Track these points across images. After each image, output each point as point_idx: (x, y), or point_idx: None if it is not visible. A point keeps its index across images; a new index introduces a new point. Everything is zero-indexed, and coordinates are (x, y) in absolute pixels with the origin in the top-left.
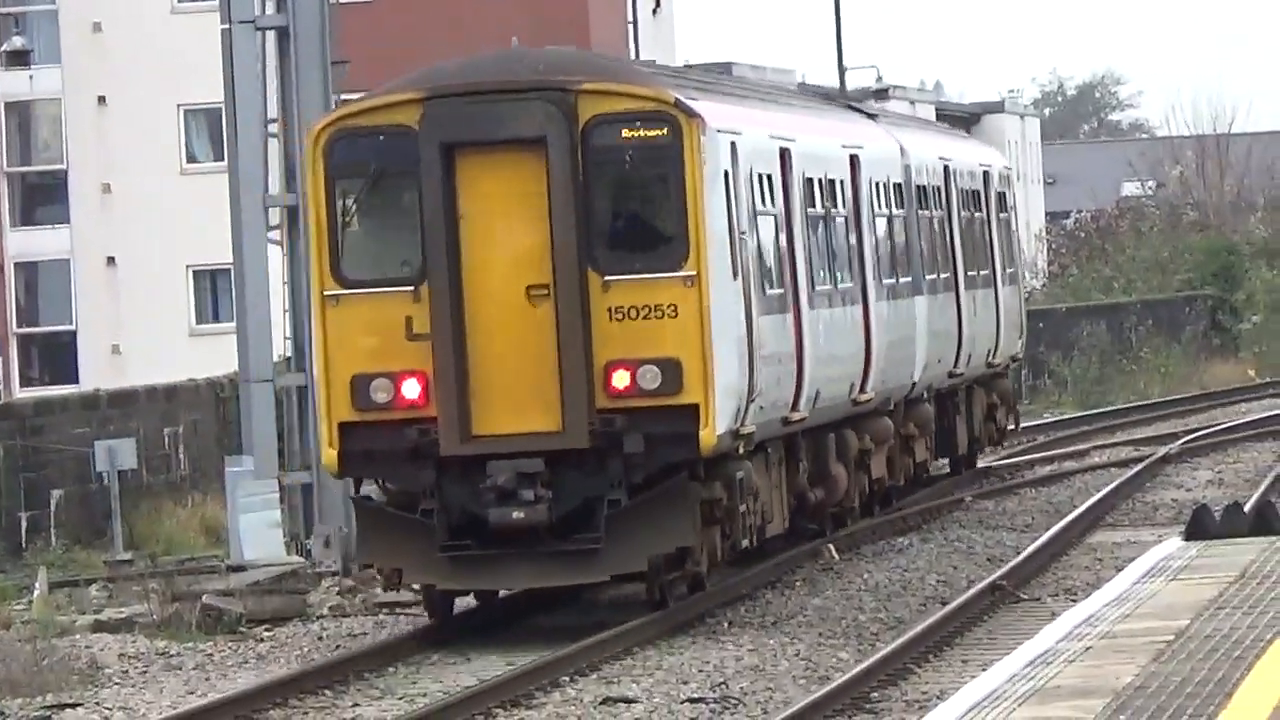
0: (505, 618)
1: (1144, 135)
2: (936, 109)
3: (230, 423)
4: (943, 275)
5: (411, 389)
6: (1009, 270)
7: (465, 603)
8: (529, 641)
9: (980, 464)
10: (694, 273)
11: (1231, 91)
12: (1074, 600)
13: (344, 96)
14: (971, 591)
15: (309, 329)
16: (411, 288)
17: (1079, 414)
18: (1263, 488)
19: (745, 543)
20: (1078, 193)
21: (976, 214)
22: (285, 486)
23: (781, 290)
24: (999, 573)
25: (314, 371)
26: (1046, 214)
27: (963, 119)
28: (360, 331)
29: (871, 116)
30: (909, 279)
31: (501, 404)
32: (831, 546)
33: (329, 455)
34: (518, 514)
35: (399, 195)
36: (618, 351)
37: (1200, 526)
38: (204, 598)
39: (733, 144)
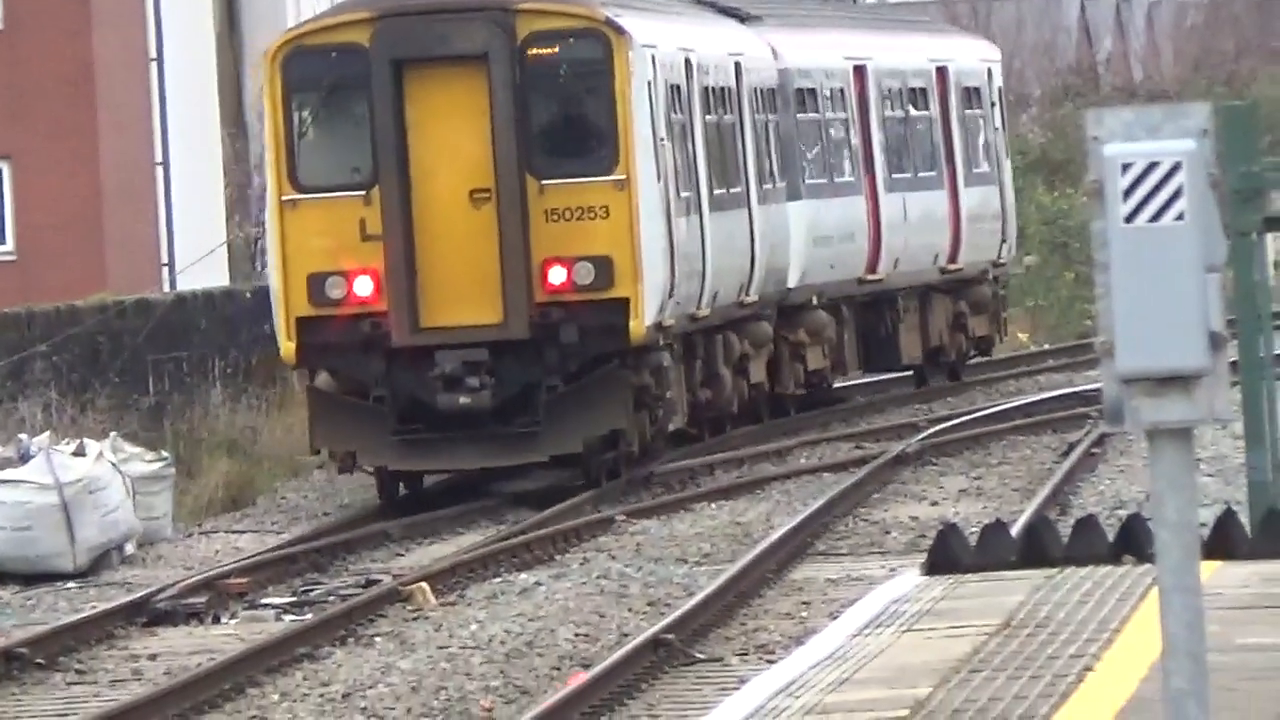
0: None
1: None
2: None
3: None
4: (837, 178)
5: (364, 285)
6: (976, 170)
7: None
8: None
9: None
10: (624, 177)
11: None
12: (770, 661)
13: None
14: (625, 649)
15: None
16: (363, 192)
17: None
18: (1038, 501)
19: (671, 426)
20: None
21: (923, 111)
22: None
23: (691, 193)
24: (664, 622)
25: (272, 270)
26: None
27: None
28: (316, 233)
29: (744, 20)
30: (784, 184)
31: (448, 299)
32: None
33: (287, 348)
34: (464, 400)
35: (351, 107)
36: (554, 250)
37: (948, 555)
38: None
39: (652, 57)
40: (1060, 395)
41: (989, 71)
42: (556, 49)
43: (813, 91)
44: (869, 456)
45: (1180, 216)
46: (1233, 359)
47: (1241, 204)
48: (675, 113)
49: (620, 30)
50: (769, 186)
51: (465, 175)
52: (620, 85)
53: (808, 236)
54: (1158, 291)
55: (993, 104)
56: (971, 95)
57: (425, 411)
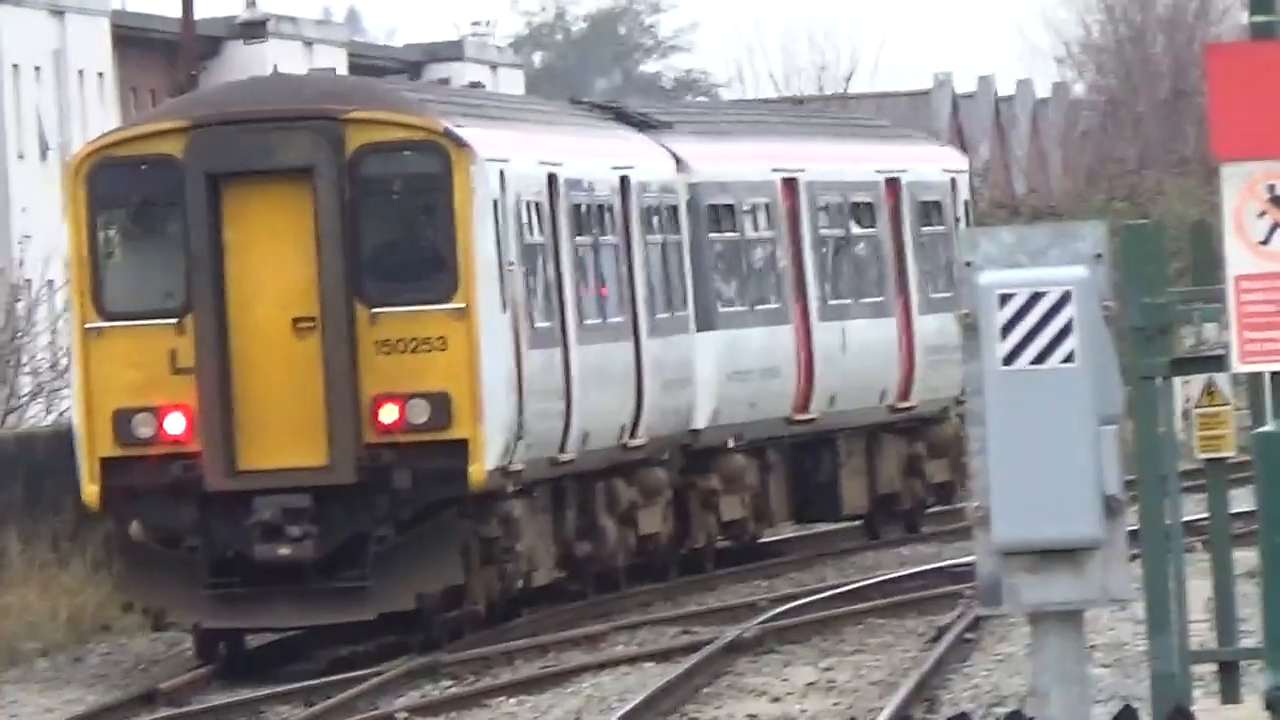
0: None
1: (702, 97)
2: (350, 54)
3: None
4: (760, 305)
5: (175, 423)
6: (935, 295)
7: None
8: None
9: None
10: (463, 305)
11: (847, 30)
12: None
13: None
14: None
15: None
16: (175, 320)
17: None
18: (900, 696)
19: (520, 584)
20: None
21: (869, 229)
22: None
23: (551, 323)
24: None
25: (75, 405)
26: None
27: (395, 70)
28: (123, 364)
29: (648, 128)
30: (687, 312)
31: (268, 438)
32: None
33: (90, 491)
34: (284, 550)
35: (163, 225)
36: (386, 385)
37: None
38: None
39: (501, 172)
40: (927, 570)
41: (953, 183)
42: (389, 163)
43: (730, 208)
44: (698, 643)
45: (1069, 358)
46: (1133, 527)
47: (1144, 342)
48: (532, 234)
49: (460, 143)
50: (665, 315)
51: (288, 302)
52: (460, 204)
53: (720, 371)
54: (1042, 448)
55: (957, 220)
56: (930, 210)
57: (242, 563)
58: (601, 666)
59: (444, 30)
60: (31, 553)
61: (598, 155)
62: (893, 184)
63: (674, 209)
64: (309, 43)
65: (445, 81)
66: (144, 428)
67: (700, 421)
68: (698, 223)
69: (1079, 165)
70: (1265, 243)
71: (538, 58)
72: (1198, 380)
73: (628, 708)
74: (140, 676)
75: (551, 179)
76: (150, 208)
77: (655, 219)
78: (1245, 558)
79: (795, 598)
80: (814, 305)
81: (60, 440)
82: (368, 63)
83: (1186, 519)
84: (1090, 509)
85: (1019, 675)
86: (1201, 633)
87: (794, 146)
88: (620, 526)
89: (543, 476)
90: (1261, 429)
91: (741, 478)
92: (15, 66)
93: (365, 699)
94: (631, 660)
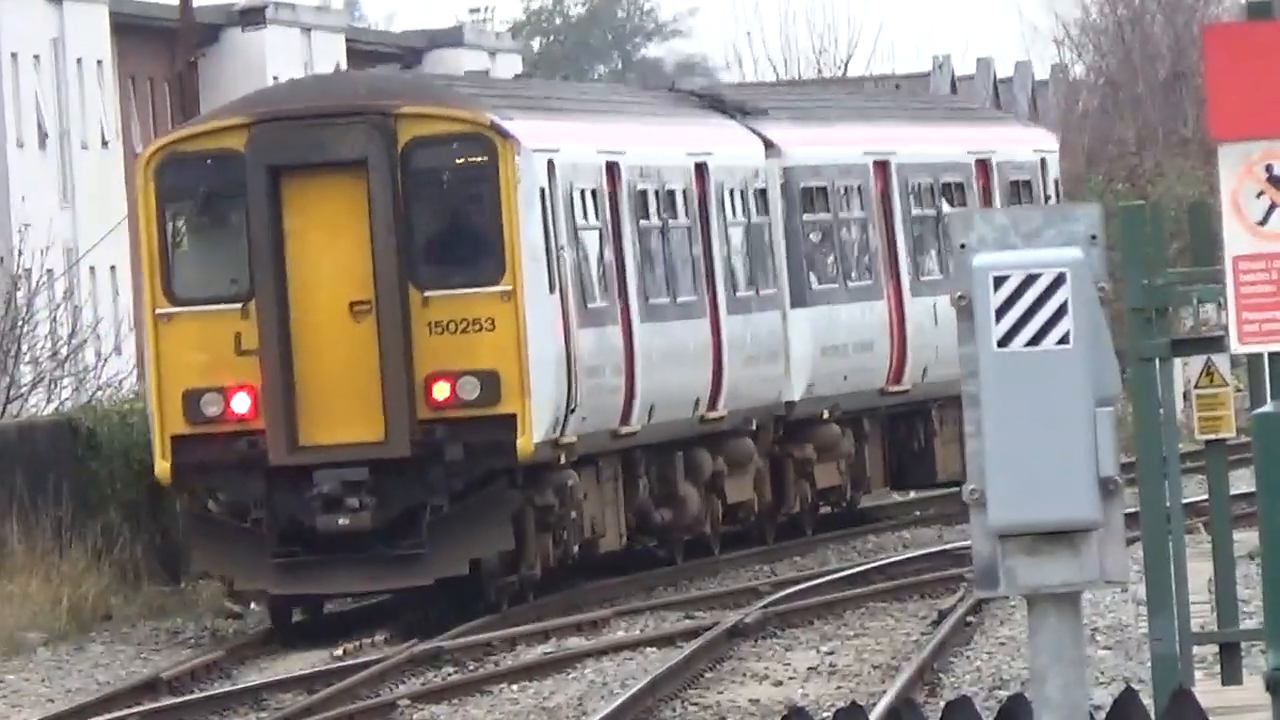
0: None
1: (702, 80)
2: (349, 40)
3: None
4: (852, 283)
5: (241, 402)
6: None
7: None
8: None
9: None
10: (510, 287)
11: (845, 13)
12: None
13: None
14: None
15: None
16: (240, 305)
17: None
18: (902, 680)
19: (576, 549)
20: None
21: (959, 209)
22: None
23: (608, 303)
24: None
25: (147, 387)
26: None
27: (394, 56)
28: (191, 348)
29: (739, 114)
30: (774, 290)
31: (327, 415)
32: None
33: (162, 467)
34: (343, 521)
35: (227, 216)
36: (438, 364)
37: None
38: None
39: (550, 162)
40: (929, 553)
41: (1042, 162)
42: (439, 155)
43: (823, 190)
44: (700, 628)
45: (1065, 339)
46: (1132, 509)
47: (1143, 324)
48: (586, 219)
49: (505, 135)
50: (749, 293)
51: (345, 286)
52: (506, 192)
53: (814, 345)
54: (1038, 430)
55: (1047, 197)
56: (1020, 189)
57: (305, 533)
58: (603, 652)
59: (443, 16)
60: (32, 542)
61: (671, 143)
62: (983, 164)
63: (761, 192)
64: (307, 29)
65: (526, 75)
66: (212, 407)
67: (795, 394)
68: (791, 205)
69: (1078, 147)
70: (1263, 223)
71: (536, 43)
72: (1197, 361)
73: (630, 693)
74: (142, 665)
75: (611, 167)
76: (215, 199)
77: (738, 202)
78: (1246, 539)
79: (797, 581)
80: (906, 282)
81: (61, 429)
82: (366, 49)
83: (1187, 500)
84: (1087, 491)
85: (1021, 659)
86: (1202, 614)
87: (886, 130)
88: (705, 495)
89: (603, 448)
90: (1261, 409)
91: (837, 447)
92: (14, 55)
93: (367, 686)
94: (633, 645)
